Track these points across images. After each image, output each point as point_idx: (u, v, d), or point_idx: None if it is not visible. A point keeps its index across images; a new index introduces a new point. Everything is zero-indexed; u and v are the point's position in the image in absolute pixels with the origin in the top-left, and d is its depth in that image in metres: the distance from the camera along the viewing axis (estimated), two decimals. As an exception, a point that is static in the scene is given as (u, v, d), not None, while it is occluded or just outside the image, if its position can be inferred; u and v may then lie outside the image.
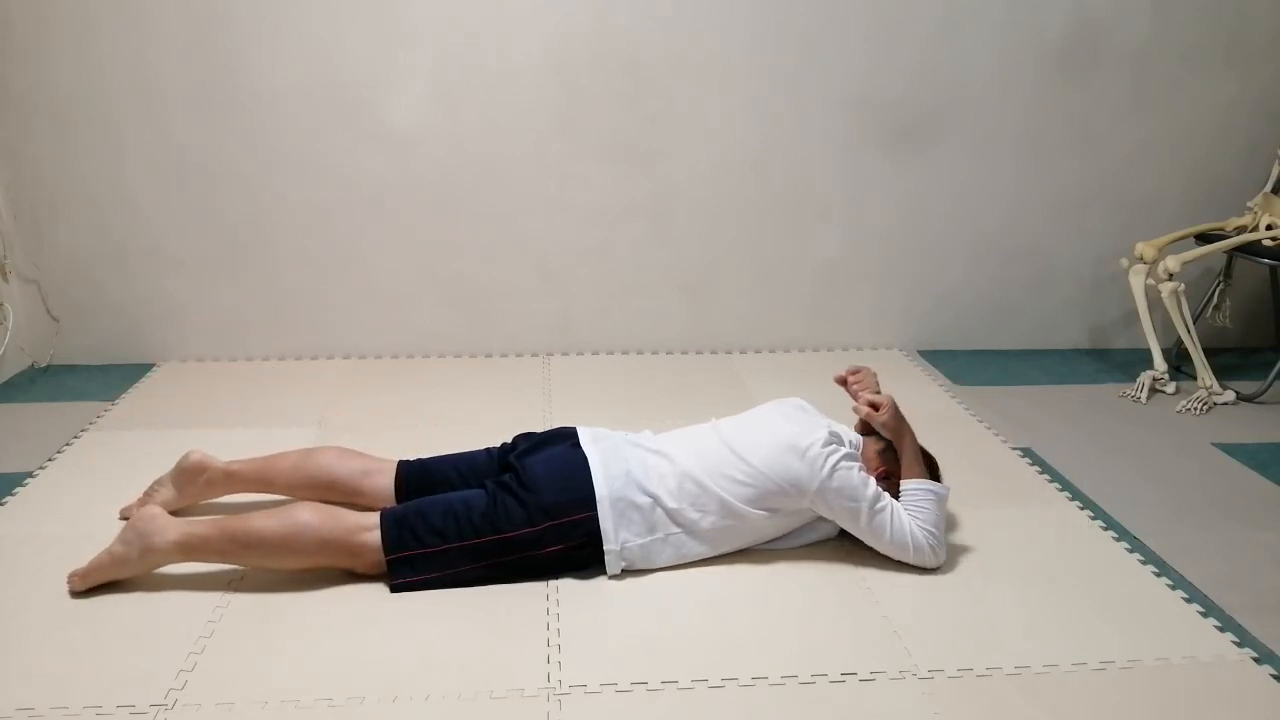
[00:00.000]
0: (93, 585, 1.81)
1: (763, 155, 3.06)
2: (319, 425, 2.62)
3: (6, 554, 1.96)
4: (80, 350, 3.07)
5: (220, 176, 2.92)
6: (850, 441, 2.02)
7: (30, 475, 2.31)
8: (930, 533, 1.91)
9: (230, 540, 1.80)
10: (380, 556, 1.82)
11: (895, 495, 1.96)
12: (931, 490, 1.94)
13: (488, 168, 2.99)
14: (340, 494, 2.02)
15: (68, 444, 2.49)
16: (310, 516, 1.81)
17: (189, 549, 1.81)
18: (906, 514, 1.93)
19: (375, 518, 1.84)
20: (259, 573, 1.88)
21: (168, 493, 2.07)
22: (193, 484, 2.06)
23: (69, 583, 1.83)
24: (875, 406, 1.99)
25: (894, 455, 2.02)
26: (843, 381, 2.14)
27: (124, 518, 2.07)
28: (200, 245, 2.99)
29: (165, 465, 2.35)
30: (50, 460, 2.39)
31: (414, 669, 1.62)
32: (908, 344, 3.34)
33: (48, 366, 3.05)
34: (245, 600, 1.81)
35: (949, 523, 2.08)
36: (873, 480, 1.92)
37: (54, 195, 2.91)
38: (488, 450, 2.09)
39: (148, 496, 2.08)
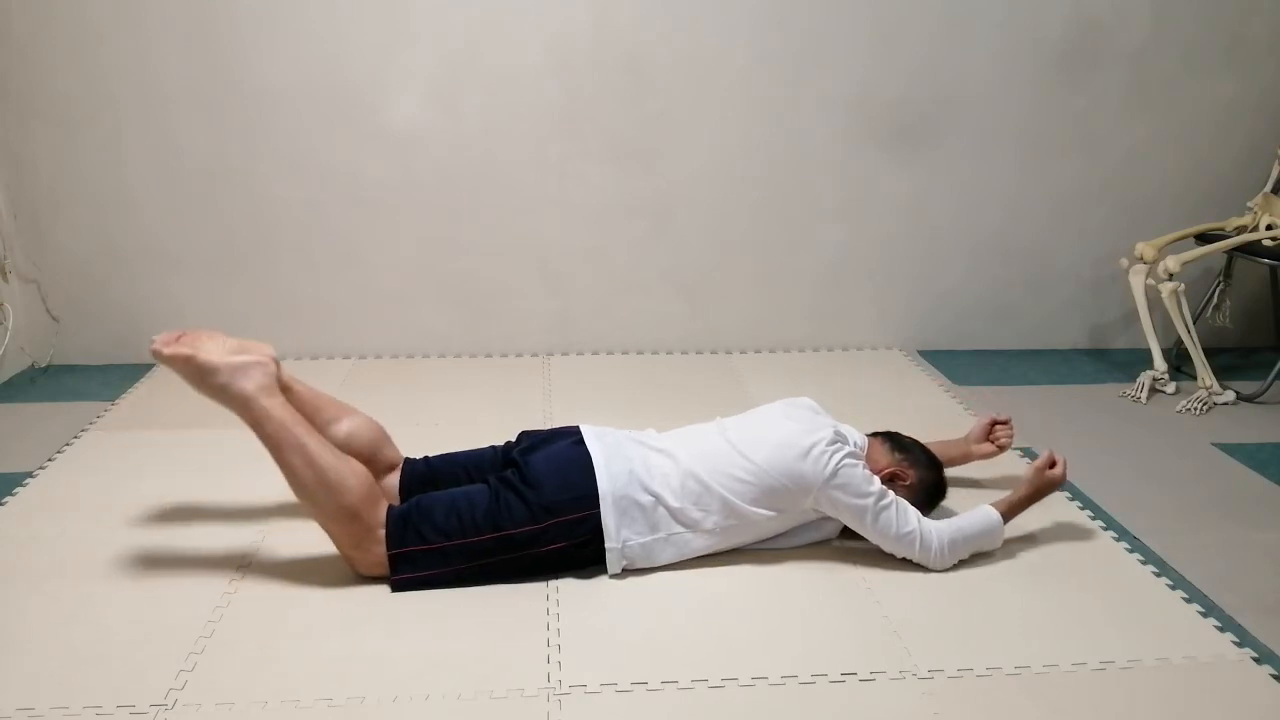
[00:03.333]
0: (166, 360, 1.75)
1: (763, 155, 3.06)
2: (319, 425, 2.62)
3: (6, 554, 1.96)
4: (80, 350, 3.07)
5: (220, 176, 2.92)
6: (855, 442, 2.02)
7: (30, 475, 2.31)
8: (956, 530, 1.92)
9: (286, 436, 1.76)
10: (383, 556, 1.81)
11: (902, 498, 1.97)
12: (994, 522, 1.96)
13: (488, 167, 2.99)
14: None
15: (68, 444, 2.49)
16: (362, 484, 1.79)
17: (252, 408, 1.77)
18: (941, 522, 1.94)
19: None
20: (259, 572, 1.89)
21: (218, 351, 1.81)
22: (251, 368, 1.81)
23: (154, 341, 1.76)
24: (1054, 463, 2.04)
25: (902, 458, 2.04)
26: (998, 424, 2.27)
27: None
28: (200, 245, 2.99)
29: (165, 465, 2.37)
30: (50, 460, 2.39)
31: (414, 669, 1.62)
32: (908, 344, 3.34)
33: (48, 366, 3.05)
34: (245, 600, 1.81)
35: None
36: (876, 479, 1.92)
37: (54, 195, 2.91)
38: (493, 447, 2.09)
39: (199, 336, 1.83)
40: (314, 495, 1.78)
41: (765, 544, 1.98)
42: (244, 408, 1.79)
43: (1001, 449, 2.26)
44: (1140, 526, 2.16)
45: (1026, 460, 2.47)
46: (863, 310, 3.29)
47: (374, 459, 1.99)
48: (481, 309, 3.16)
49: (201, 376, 1.78)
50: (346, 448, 1.93)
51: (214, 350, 1.80)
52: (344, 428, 1.98)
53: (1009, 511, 1.99)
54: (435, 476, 2.02)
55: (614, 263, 3.15)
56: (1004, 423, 2.28)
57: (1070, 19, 2.98)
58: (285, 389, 1.91)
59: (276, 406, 1.79)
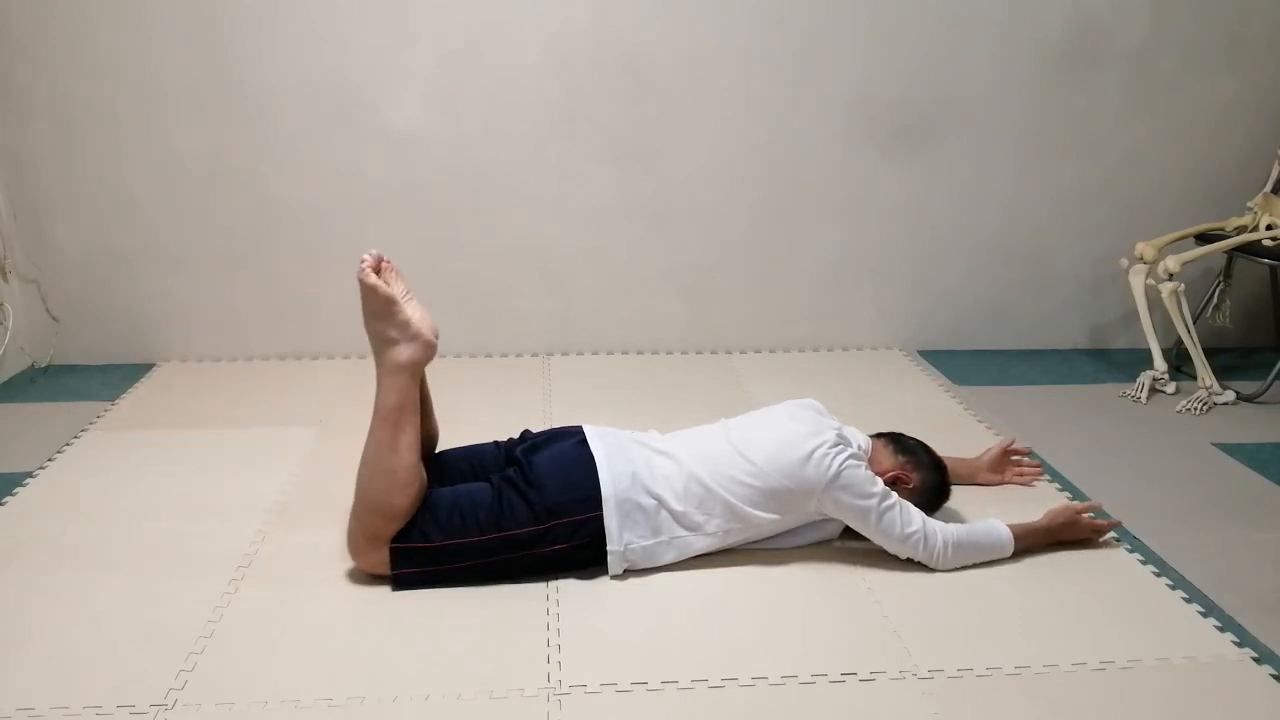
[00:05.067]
0: (369, 287, 1.81)
1: (763, 155, 3.06)
2: (319, 425, 2.62)
3: (6, 554, 1.96)
4: (80, 350, 3.07)
5: (220, 176, 2.92)
6: (858, 444, 2.02)
7: (30, 475, 2.31)
8: (963, 534, 1.93)
9: (399, 418, 1.80)
10: (385, 555, 1.81)
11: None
12: (1002, 536, 1.96)
13: (488, 167, 2.99)
14: None
15: (68, 444, 2.49)
16: (419, 495, 1.81)
17: (396, 377, 1.81)
18: (948, 524, 1.94)
19: None
20: (259, 572, 1.89)
21: (412, 309, 1.89)
22: (417, 346, 1.87)
23: (364, 259, 1.82)
24: (1092, 520, 2.06)
25: (905, 460, 2.04)
26: (1015, 453, 2.32)
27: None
28: (200, 245, 2.99)
29: (165, 465, 2.37)
30: (50, 460, 2.39)
31: (414, 669, 1.62)
32: (908, 344, 3.34)
33: (48, 366, 3.05)
34: (245, 600, 1.81)
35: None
36: (879, 480, 1.92)
37: (54, 195, 2.91)
38: (495, 443, 2.09)
39: (402, 285, 1.92)
40: (376, 478, 1.80)
41: (766, 544, 1.98)
42: (390, 372, 1.83)
43: (1022, 483, 2.31)
44: (1140, 526, 2.16)
45: (1068, 496, 2.32)
46: (863, 310, 3.29)
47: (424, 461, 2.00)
48: (481, 309, 3.16)
49: (384, 320, 1.84)
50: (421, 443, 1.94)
51: (412, 307, 1.86)
52: (422, 432, 1.97)
53: (1022, 536, 1.98)
54: (437, 469, 2.02)
55: (614, 263, 3.14)
56: (1023, 453, 2.30)
57: (1070, 19, 2.98)
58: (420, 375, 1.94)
59: (412, 388, 1.84)
